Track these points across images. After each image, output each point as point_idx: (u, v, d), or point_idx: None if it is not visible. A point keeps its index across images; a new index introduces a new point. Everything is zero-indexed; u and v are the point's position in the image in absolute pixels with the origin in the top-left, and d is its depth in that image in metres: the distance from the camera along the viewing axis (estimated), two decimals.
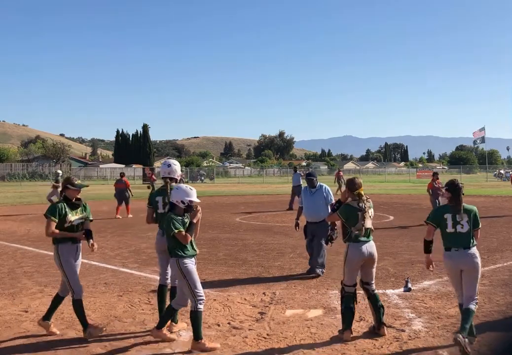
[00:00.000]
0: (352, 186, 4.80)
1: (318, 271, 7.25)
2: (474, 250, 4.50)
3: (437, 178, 14.04)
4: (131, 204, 16.91)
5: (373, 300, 4.82)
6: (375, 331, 4.76)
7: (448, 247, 4.55)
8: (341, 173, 29.41)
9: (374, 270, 4.91)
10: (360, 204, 4.74)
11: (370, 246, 4.78)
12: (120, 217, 16.11)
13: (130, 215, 16.33)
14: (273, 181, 52.94)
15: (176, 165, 5.22)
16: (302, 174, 20.65)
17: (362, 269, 4.83)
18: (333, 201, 7.29)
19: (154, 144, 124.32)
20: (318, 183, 7.63)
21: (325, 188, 7.58)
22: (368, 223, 4.77)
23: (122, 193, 16.74)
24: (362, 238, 4.75)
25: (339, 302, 5.88)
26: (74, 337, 4.79)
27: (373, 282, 4.90)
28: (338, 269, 7.42)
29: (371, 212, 4.83)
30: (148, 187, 23.30)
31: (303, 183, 11.56)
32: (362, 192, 4.82)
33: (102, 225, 13.92)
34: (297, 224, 7.76)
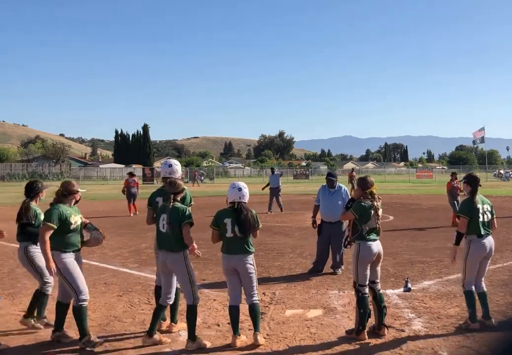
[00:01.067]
0: (364, 184, 4.83)
1: (338, 271, 7.44)
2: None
3: (456, 178, 13.99)
4: (132, 203, 17.04)
5: (378, 300, 4.81)
6: (375, 331, 4.76)
7: (480, 234, 4.98)
8: (354, 174, 28.83)
9: (379, 268, 4.94)
10: (373, 202, 4.78)
11: (378, 244, 4.83)
12: (138, 213, 16.50)
13: (132, 214, 16.72)
14: None
15: (177, 165, 5.22)
16: (281, 174, 19.29)
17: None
18: None
19: (154, 144, 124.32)
20: (338, 183, 7.70)
21: (344, 189, 7.67)
22: (379, 222, 4.83)
23: (133, 191, 17.02)
24: (373, 236, 4.77)
25: (339, 302, 5.91)
26: (74, 338, 4.79)
27: (379, 280, 4.91)
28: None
29: (380, 212, 4.86)
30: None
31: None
32: (375, 191, 4.85)
33: (102, 225, 13.89)
34: (314, 222, 7.81)
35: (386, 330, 4.75)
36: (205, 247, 9.87)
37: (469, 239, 4.99)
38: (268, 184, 17.96)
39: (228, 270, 4.66)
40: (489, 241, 5.05)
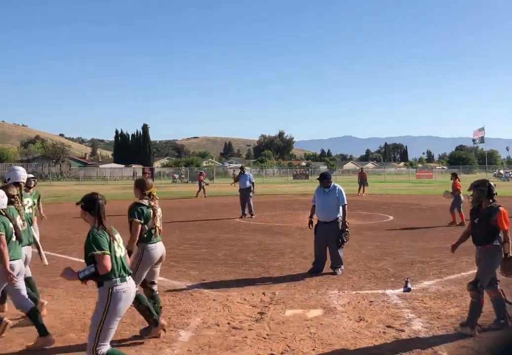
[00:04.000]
0: (143, 186, 4.90)
1: (338, 271, 7.43)
2: None
3: (456, 177, 13.73)
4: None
5: (156, 300, 4.90)
6: (153, 335, 4.69)
7: None
8: (364, 172, 27.88)
9: (159, 268, 5.05)
10: (151, 203, 4.85)
11: (161, 246, 4.91)
12: None
13: None
14: (272, 181, 52.93)
15: (19, 170, 5.63)
16: (251, 175, 16.69)
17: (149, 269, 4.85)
18: (345, 202, 7.58)
19: (154, 144, 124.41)
20: (332, 183, 7.75)
21: (338, 189, 7.68)
22: (159, 223, 4.89)
23: None
24: (156, 238, 4.83)
25: (339, 302, 5.90)
26: (73, 338, 4.79)
27: (157, 281, 5.02)
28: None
29: (160, 211, 4.95)
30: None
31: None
32: (154, 192, 4.92)
33: None
34: (310, 222, 7.85)
35: (163, 332, 4.74)
36: (205, 247, 9.89)
37: None
38: (237, 181, 16.26)
39: None
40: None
